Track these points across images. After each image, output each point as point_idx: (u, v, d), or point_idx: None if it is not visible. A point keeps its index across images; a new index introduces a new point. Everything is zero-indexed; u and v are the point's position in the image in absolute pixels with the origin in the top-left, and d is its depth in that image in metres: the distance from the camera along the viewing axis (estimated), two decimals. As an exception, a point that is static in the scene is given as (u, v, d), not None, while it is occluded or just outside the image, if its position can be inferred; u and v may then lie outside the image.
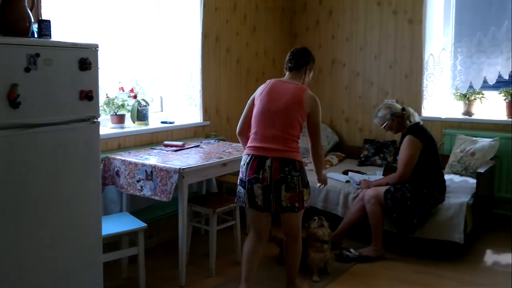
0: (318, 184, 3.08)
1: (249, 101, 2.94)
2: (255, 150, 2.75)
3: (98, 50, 2.48)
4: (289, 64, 2.91)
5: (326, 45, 5.18)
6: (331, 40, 5.14)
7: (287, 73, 2.94)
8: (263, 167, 2.69)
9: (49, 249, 2.36)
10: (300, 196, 2.73)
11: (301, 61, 2.90)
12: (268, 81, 2.92)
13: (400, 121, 3.65)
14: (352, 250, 3.54)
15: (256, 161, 2.71)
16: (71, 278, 2.47)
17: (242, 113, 4.66)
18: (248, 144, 2.82)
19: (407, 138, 3.56)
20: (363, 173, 4.14)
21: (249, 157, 2.76)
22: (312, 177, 2.96)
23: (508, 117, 4.25)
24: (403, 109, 3.68)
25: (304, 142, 3.03)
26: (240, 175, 2.81)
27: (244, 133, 2.90)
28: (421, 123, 3.69)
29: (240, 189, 2.82)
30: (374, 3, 4.83)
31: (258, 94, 2.88)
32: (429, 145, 3.54)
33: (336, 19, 5.09)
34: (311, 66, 2.96)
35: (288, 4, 5.30)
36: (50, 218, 2.35)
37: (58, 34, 3.20)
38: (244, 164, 2.78)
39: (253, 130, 2.82)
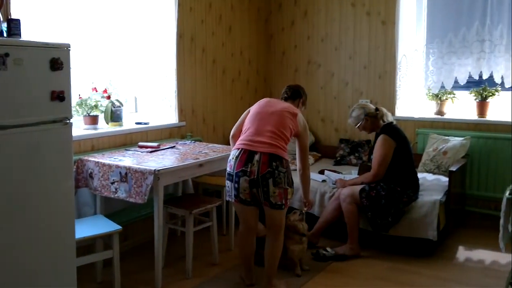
0: (305, 209, 3.33)
1: (245, 112, 3.18)
2: (246, 144, 2.88)
3: (70, 49, 2.43)
4: (285, 95, 3.26)
5: (301, 46, 5.21)
6: (306, 41, 5.17)
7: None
8: (252, 160, 2.81)
9: (21, 254, 2.30)
10: (285, 194, 2.86)
11: (296, 94, 3.27)
12: (265, 98, 3.22)
13: (374, 121, 3.70)
14: (328, 249, 3.57)
15: (246, 155, 2.85)
16: (44, 283, 2.41)
17: (218, 114, 4.77)
18: (240, 139, 2.96)
19: (380, 137, 3.61)
20: (339, 173, 4.18)
21: (239, 150, 2.89)
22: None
23: (479, 117, 4.36)
24: (377, 109, 3.73)
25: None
26: (228, 169, 2.93)
27: (237, 137, 3.06)
28: (394, 122, 3.75)
29: (227, 183, 2.94)
30: (349, 4, 4.88)
31: (255, 104, 3.14)
32: (402, 144, 3.60)
33: (311, 20, 5.13)
34: (304, 100, 3.31)
35: (264, 4, 5.31)
36: (22, 221, 2.29)
37: (28, 34, 3.12)
38: (232, 158, 2.90)
39: (246, 127, 2.99)
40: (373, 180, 3.57)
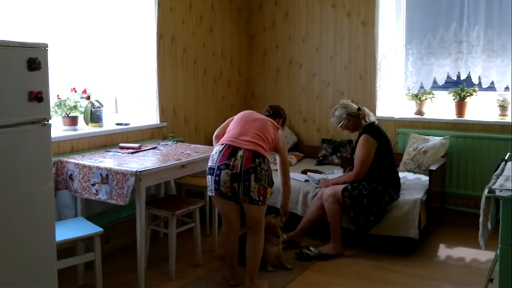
0: (284, 219, 3.38)
1: (229, 118, 3.26)
2: (230, 140, 2.95)
3: (47, 49, 2.38)
4: (267, 113, 3.39)
5: (283, 46, 5.22)
6: (287, 41, 5.19)
7: None
8: (235, 155, 2.87)
9: (0, 257, 2.25)
10: (264, 192, 2.89)
11: (277, 113, 3.42)
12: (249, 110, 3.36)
13: (356, 120, 3.73)
14: (312, 249, 3.58)
15: (230, 150, 2.91)
16: (25, 287, 2.35)
17: (200, 114, 4.76)
18: (222, 138, 3.02)
19: (362, 137, 3.64)
20: (321, 172, 4.20)
21: (223, 146, 2.94)
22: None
23: (457, 116, 4.43)
24: (359, 108, 3.76)
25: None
26: (210, 163, 2.97)
27: (220, 137, 3.11)
28: (376, 122, 3.78)
29: (208, 177, 2.96)
30: (329, 5, 4.91)
31: (239, 114, 3.23)
32: (383, 144, 3.63)
33: (292, 20, 5.14)
34: (283, 121, 3.47)
35: (244, 5, 5.30)
36: (1, 224, 2.23)
37: (4, 33, 3.07)
38: (216, 153, 2.95)
39: (229, 129, 3.08)
40: (356, 179, 3.60)
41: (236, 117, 3.19)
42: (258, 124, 3.06)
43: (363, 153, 3.58)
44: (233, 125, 3.10)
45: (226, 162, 2.86)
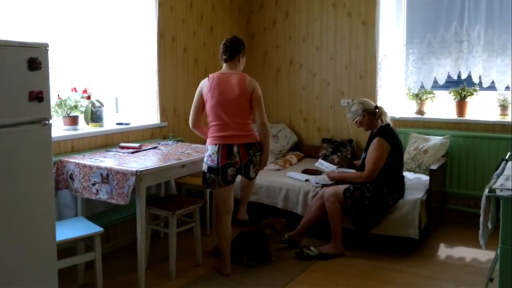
0: (256, 172, 3.28)
1: (196, 95, 3.27)
2: (220, 139, 3.12)
3: (48, 49, 2.39)
4: (224, 56, 3.22)
5: (283, 46, 5.22)
6: (288, 41, 5.19)
7: (224, 65, 3.26)
8: (232, 153, 3.10)
9: (1, 257, 2.24)
10: (260, 166, 3.27)
11: (234, 51, 3.21)
12: (211, 76, 3.21)
13: (372, 118, 3.68)
14: (312, 248, 3.58)
15: (225, 149, 3.10)
16: (25, 286, 2.35)
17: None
18: (212, 135, 3.14)
19: (377, 139, 3.59)
20: (321, 173, 4.19)
21: (217, 146, 3.12)
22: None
23: (458, 116, 4.43)
24: (376, 107, 3.72)
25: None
26: (210, 163, 3.12)
27: (197, 125, 3.31)
28: (391, 124, 3.74)
29: (212, 176, 3.14)
30: (330, 5, 4.91)
31: (206, 89, 3.18)
32: (396, 149, 3.60)
33: (292, 20, 5.14)
34: (243, 53, 3.27)
35: (245, 4, 5.30)
36: (1, 224, 2.24)
37: (4, 33, 3.07)
38: (213, 153, 3.12)
39: (212, 122, 3.16)
40: (366, 181, 3.57)
41: (210, 103, 3.14)
42: (234, 109, 3.11)
43: (376, 156, 3.54)
44: (212, 115, 3.15)
45: (228, 161, 3.10)
